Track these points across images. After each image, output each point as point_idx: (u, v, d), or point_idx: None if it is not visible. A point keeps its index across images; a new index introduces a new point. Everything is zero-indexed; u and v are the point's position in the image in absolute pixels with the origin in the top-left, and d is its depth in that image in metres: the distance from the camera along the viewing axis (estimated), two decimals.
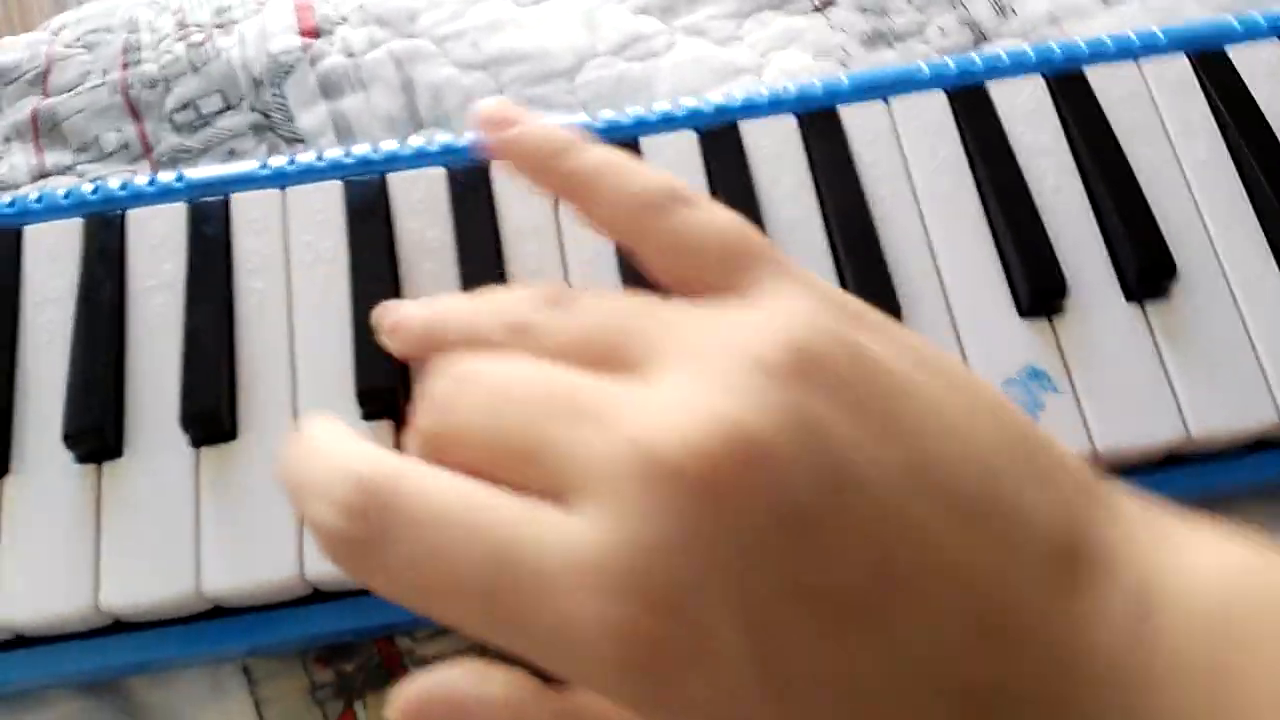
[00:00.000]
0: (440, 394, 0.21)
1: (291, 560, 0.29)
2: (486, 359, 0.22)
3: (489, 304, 0.24)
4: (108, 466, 0.31)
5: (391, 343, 0.26)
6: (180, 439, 0.31)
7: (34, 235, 0.34)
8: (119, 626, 0.30)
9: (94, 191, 0.34)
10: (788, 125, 0.35)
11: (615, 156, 0.26)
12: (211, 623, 0.30)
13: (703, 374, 0.19)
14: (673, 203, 0.24)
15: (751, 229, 0.24)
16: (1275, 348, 0.31)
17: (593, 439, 0.18)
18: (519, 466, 0.19)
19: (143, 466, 0.31)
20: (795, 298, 0.22)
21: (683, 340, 0.20)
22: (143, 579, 0.29)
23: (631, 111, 0.35)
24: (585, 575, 0.17)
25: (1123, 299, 0.32)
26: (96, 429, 0.30)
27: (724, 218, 0.24)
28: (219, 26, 0.44)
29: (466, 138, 0.35)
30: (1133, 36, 0.36)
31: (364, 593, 0.30)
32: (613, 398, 0.19)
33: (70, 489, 0.30)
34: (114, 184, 0.34)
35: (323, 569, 0.29)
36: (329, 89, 0.42)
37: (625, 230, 0.25)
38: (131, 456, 0.31)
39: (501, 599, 0.18)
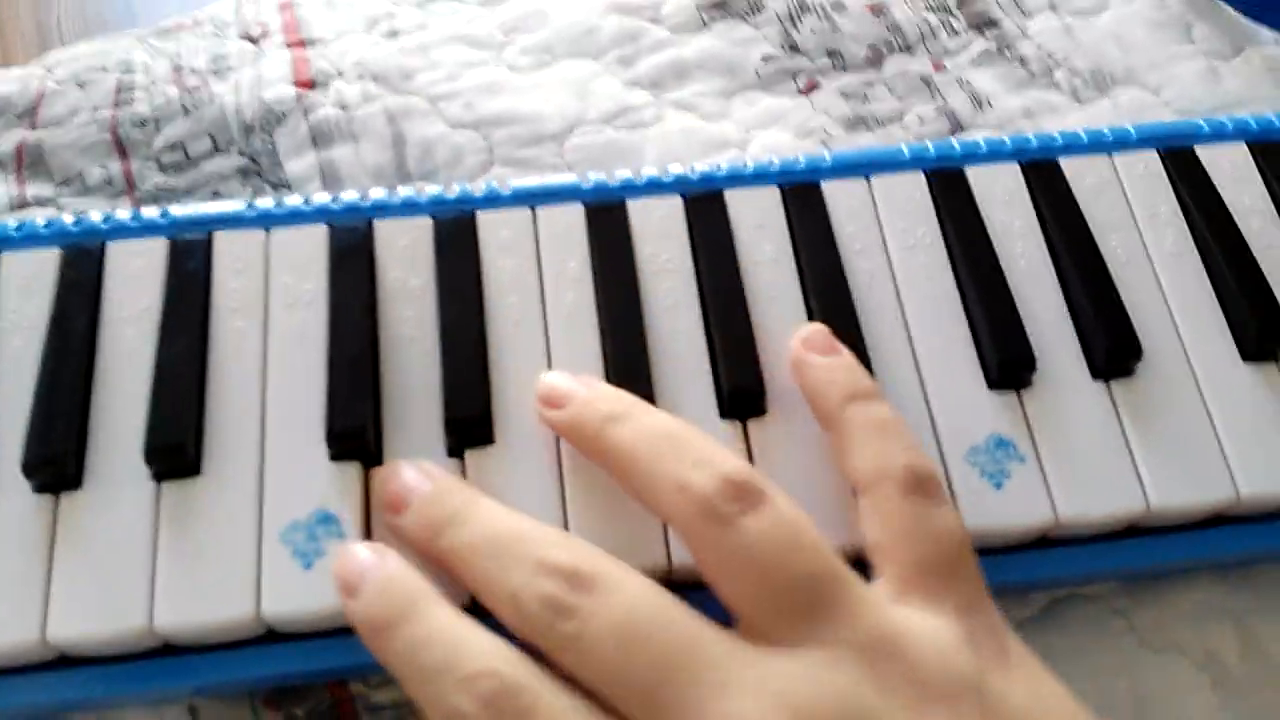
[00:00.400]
0: (574, 598, 0.24)
1: (248, 599, 0.28)
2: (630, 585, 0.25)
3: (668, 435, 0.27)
4: (66, 497, 0.30)
5: (543, 413, 0.30)
6: (143, 473, 0.30)
7: (10, 263, 0.33)
8: (65, 661, 0.29)
9: (75, 223, 0.34)
10: (771, 196, 0.35)
11: (669, 430, 0.27)
12: (159, 660, 0.29)
13: None
14: (737, 505, 0.25)
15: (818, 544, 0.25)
16: (1234, 427, 0.32)
17: None
18: (627, 703, 0.23)
19: (102, 499, 0.30)
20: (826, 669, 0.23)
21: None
22: (93, 613, 0.28)
23: (619, 174, 0.36)
24: None
25: (1089, 377, 0.32)
26: (56, 459, 0.30)
27: (797, 535, 0.25)
28: (214, 73, 0.45)
29: (455, 190, 0.35)
30: (1106, 131, 0.37)
31: (317, 635, 0.29)
32: (729, 668, 0.23)
33: (26, 519, 0.29)
34: (96, 216, 0.34)
35: (279, 609, 0.28)
36: (320, 138, 0.42)
37: (683, 533, 0.26)
38: (91, 488, 0.30)
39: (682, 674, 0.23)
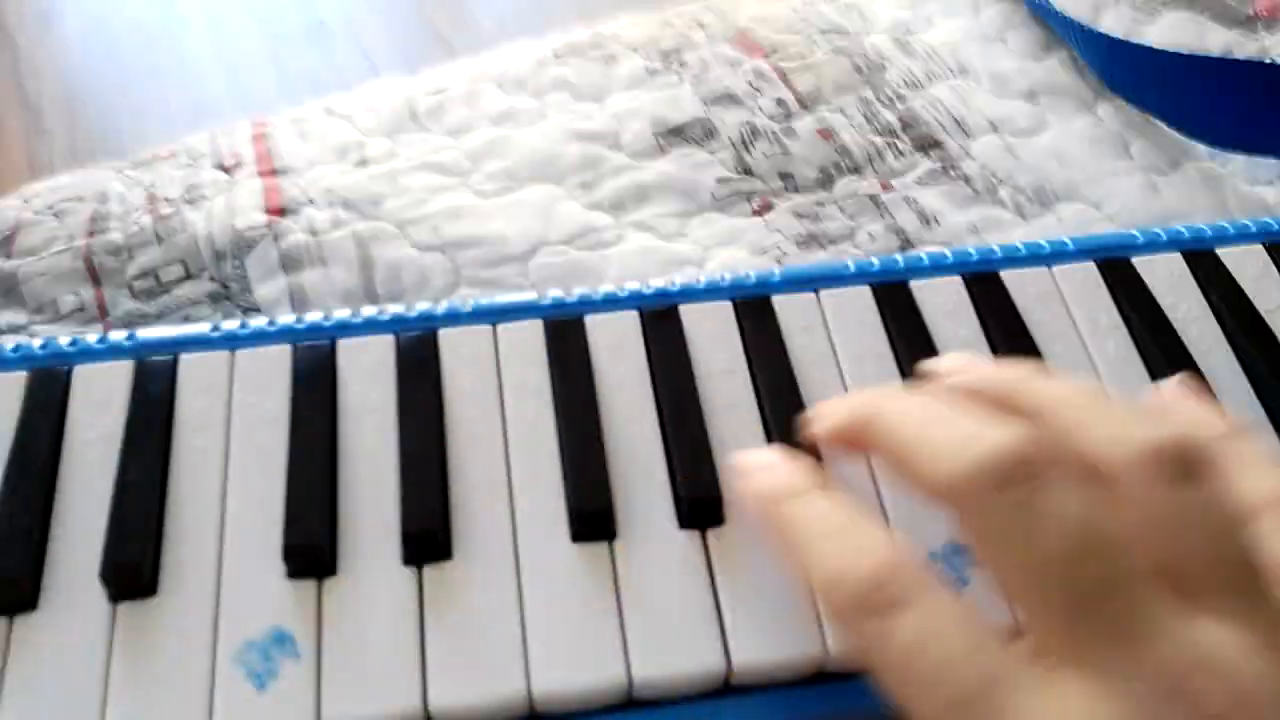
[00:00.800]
0: (1026, 499, 0.22)
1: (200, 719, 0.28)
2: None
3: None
4: (20, 619, 0.30)
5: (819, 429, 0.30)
6: (99, 594, 0.30)
7: None
8: None
9: (43, 346, 0.35)
10: (724, 310, 0.36)
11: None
12: None
13: None
14: (1197, 465, 0.23)
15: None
16: None
17: None
18: (1059, 610, 0.22)
19: (57, 621, 0.30)
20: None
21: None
22: None
23: (577, 291, 0.37)
24: None
25: None
26: (11, 581, 0.30)
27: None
28: (189, 202, 0.46)
29: (417, 309, 0.36)
30: (1044, 244, 0.39)
31: None
32: (1168, 616, 0.22)
33: None
34: (63, 340, 0.35)
35: None
36: (289, 263, 0.44)
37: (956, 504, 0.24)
38: (46, 610, 0.30)
39: (974, 707, 0.21)
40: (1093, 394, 0.26)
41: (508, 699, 0.29)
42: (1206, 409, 0.30)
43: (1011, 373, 0.28)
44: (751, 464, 0.30)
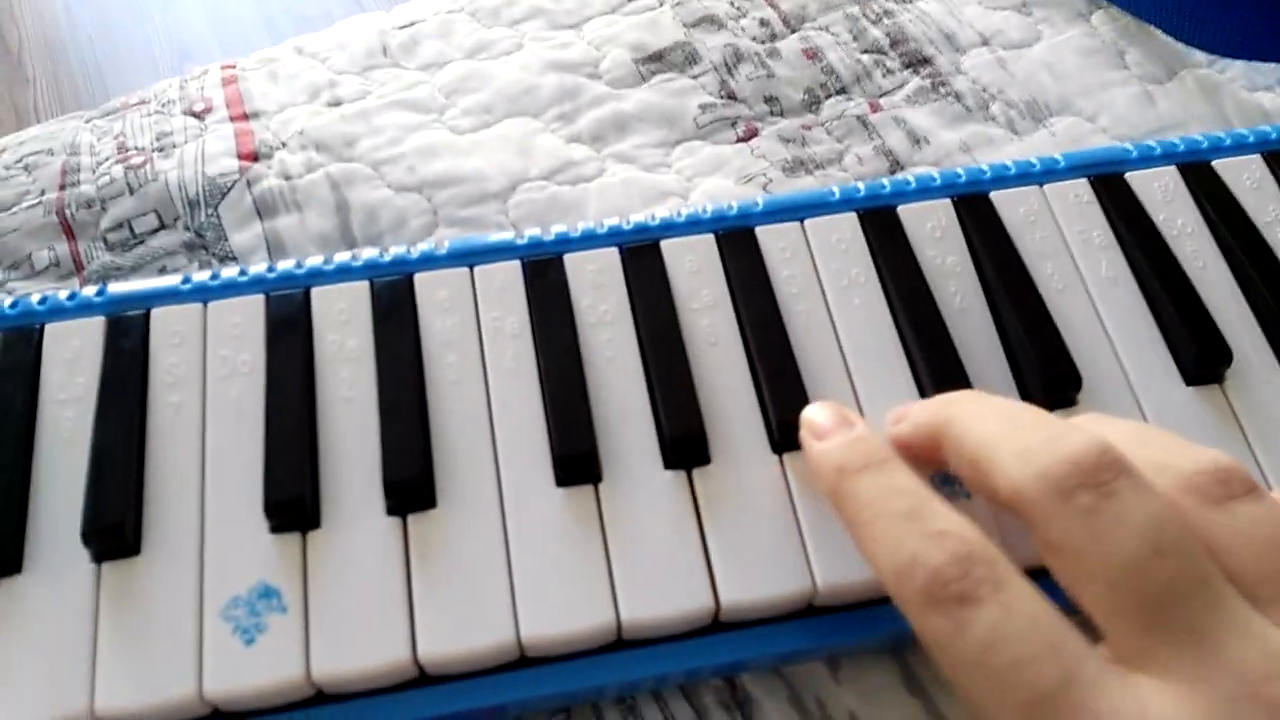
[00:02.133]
0: (1098, 503, 0.22)
1: (189, 679, 0.28)
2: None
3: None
4: (4, 582, 0.30)
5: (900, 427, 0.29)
6: (83, 555, 0.30)
7: None
8: None
9: (13, 305, 0.34)
10: (706, 243, 0.36)
11: (1030, 408, 0.26)
12: None
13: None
14: (1229, 490, 0.23)
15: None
16: None
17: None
18: (1132, 612, 0.22)
19: (42, 582, 0.30)
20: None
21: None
22: (34, 700, 0.28)
23: (555, 229, 0.36)
24: None
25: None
26: None
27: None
28: (159, 150, 0.45)
29: (391, 253, 0.35)
30: (1034, 161, 0.38)
31: (267, 711, 0.29)
32: (1241, 619, 0.22)
33: None
34: (34, 298, 0.34)
35: (221, 687, 0.28)
36: (264, 209, 0.43)
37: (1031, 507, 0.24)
38: (30, 572, 0.30)
39: (1048, 706, 0.21)
40: (1140, 426, 0.26)
41: (497, 646, 0.29)
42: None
43: (945, 405, 0.28)
44: (821, 424, 0.29)
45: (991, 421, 0.26)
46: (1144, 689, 0.21)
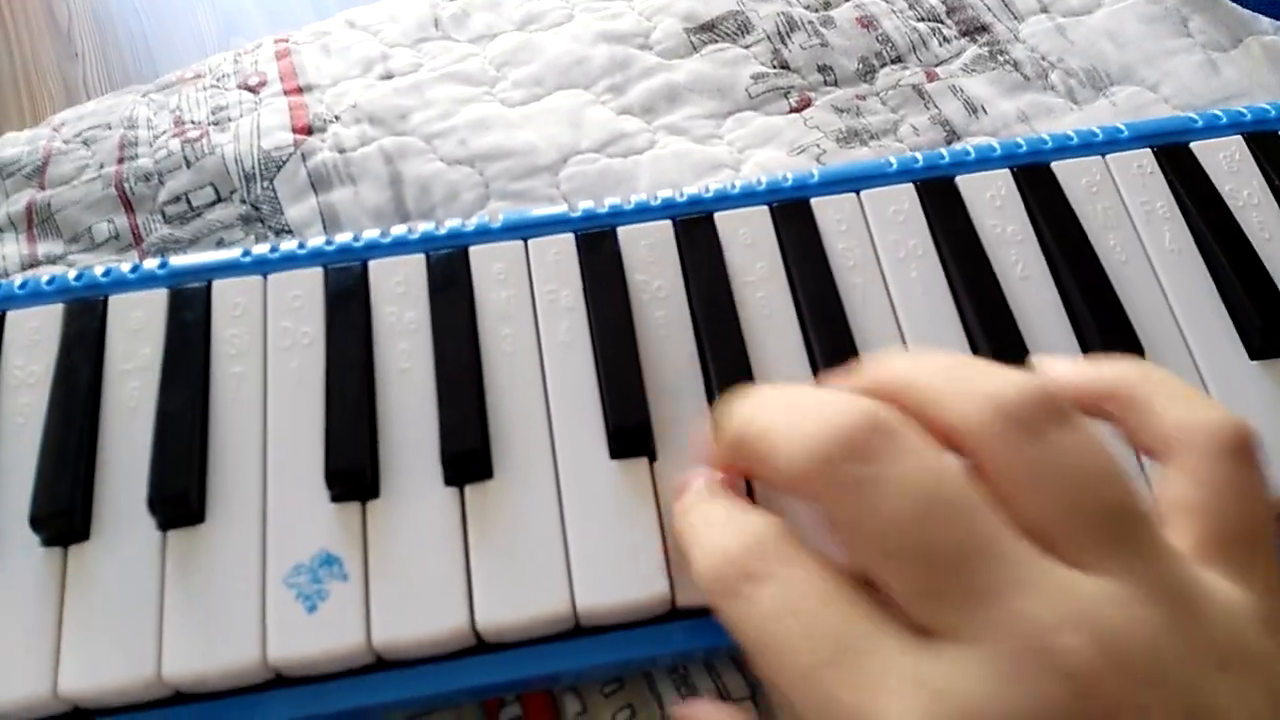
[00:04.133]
0: (866, 473, 0.22)
1: (253, 645, 0.29)
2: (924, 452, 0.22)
3: (963, 374, 0.24)
4: (73, 549, 0.30)
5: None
6: (148, 522, 0.31)
7: (15, 320, 0.34)
8: (81, 714, 0.29)
9: (78, 278, 0.35)
10: (760, 215, 0.35)
11: (967, 358, 0.25)
12: (175, 709, 0.29)
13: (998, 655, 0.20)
14: (1049, 417, 0.22)
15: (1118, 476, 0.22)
16: None
17: (999, 604, 0.20)
18: (911, 578, 0.21)
19: (109, 550, 0.30)
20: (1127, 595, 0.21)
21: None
22: (103, 665, 0.29)
23: (608, 202, 0.36)
24: (920, 691, 0.20)
25: None
26: (63, 513, 0.30)
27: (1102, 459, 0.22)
28: (215, 124, 0.46)
29: (446, 226, 0.35)
30: (1097, 131, 0.37)
31: (328, 677, 0.29)
32: (1028, 571, 0.21)
33: (35, 573, 0.30)
34: (98, 270, 0.35)
35: (284, 653, 0.28)
36: (319, 183, 0.43)
37: (979, 443, 0.23)
38: (98, 540, 0.31)
39: (829, 673, 0.21)
40: (953, 359, 0.25)
41: (553, 615, 0.29)
42: (1091, 362, 0.28)
43: (877, 362, 0.27)
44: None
45: (766, 414, 0.25)
46: (926, 652, 0.21)
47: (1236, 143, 0.37)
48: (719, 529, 0.25)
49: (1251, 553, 0.23)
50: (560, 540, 0.30)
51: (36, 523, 0.30)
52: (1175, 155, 0.36)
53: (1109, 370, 0.27)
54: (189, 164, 0.44)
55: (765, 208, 0.35)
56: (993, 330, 0.32)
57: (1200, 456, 0.24)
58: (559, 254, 0.35)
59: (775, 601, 0.22)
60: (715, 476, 0.28)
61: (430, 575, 0.30)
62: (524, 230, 0.35)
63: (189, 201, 0.43)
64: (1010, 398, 0.23)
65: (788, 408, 0.25)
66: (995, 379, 0.23)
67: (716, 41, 0.47)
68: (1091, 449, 0.22)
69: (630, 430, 0.31)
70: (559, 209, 0.36)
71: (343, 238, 0.35)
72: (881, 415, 0.23)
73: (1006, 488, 0.22)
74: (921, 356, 0.26)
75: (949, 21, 0.48)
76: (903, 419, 0.23)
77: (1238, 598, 0.22)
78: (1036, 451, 0.22)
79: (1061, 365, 0.28)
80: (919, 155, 0.37)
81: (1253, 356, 0.33)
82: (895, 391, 0.25)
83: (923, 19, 0.48)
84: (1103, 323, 0.32)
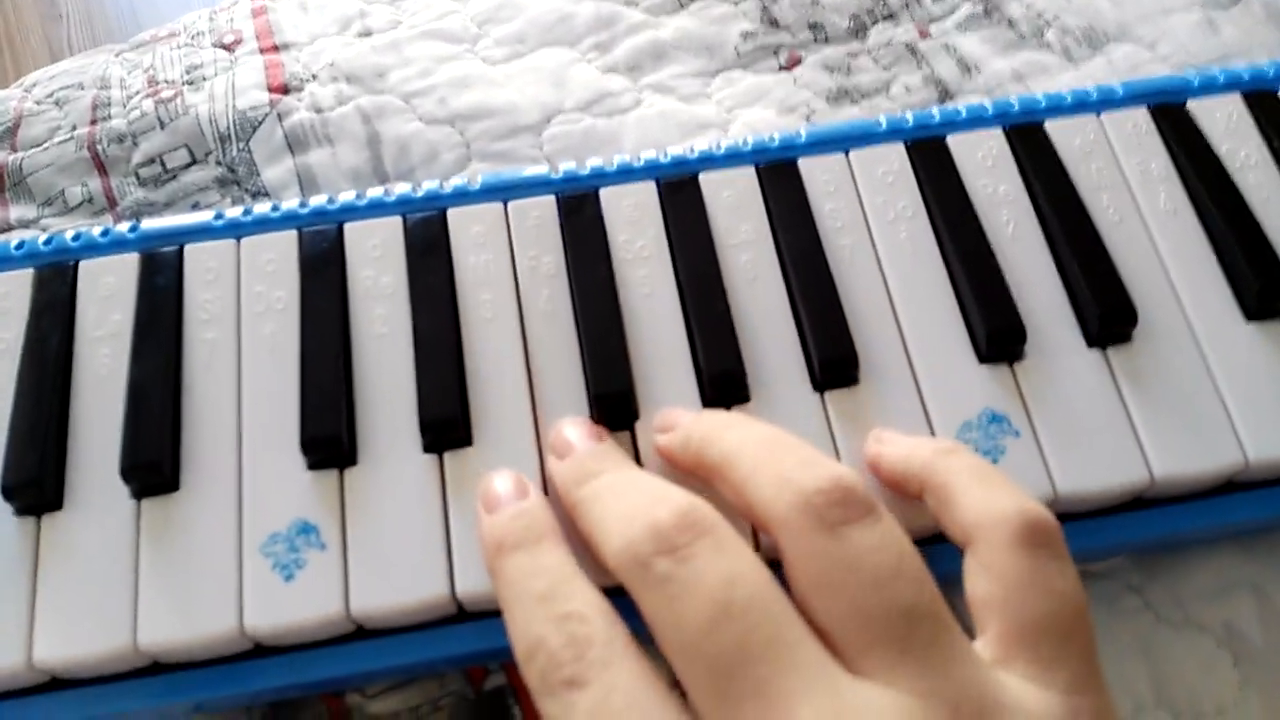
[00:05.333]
0: (669, 572, 0.22)
1: (230, 614, 0.28)
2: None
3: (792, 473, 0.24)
4: (46, 519, 0.30)
5: (656, 440, 0.29)
6: (122, 491, 0.30)
7: None
8: (56, 684, 0.29)
9: (47, 242, 0.34)
10: (746, 176, 0.34)
11: (779, 435, 0.26)
12: (153, 679, 0.29)
13: None
14: (844, 512, 0.23)
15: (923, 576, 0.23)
16: (1239, 390, 0.31)
17: None
18: (698, 679, 0.22)
19: (82, 518, 0.30)
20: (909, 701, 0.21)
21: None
22: (78, 634, 0.28)
23: (590, 163, 0.35)
24: None
25: (1084, 345, 0.31)
26: (35, 482, 0.30)
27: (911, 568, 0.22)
28: (189, 84, 0.44)
29: (423, 188, 0.35)
30: (1091, 90, 0.36)
31: (307, 646, 0.29)
32: (809, 679, 0.21)
33: (8, 542, 0.29)
34: (68, 235, 0.34)
35: (261, 622, 0.28)
36: (295, 144, 0.42)
37: (778, 534, 0.24)
38: (71, 509, 0.30)
39: None
40: (773, 437, 0.26)
41: None
42: (920, 438, 0.29)
43: (704, 425, 0.28)
44: (495, 494, 0.28)
45: (599, 499, 0.26)
46: (858, 684, 0.21)
47: (1234, 102, 0.36)
48: (545, 610, 0.24)
49: (1056, 648, 0.23)
50: None
51: (8, 492, 0.30)
52: (1171, 115, 0.36)
53: (924, 453, 0.27)
54: (163, 125, 0.43)
55: (751, 169, 0.35)
56: (983, 294, 0.32)
57: (994, 548, 0.24)
58: (539, 216, 0.34)
59: (591, 712, 0.22)
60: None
61: (409, 543, 0.29)
62: (503, 192, 0.34)
63: (163, 164, 0.42)
64: (811, 490, 0.23)
65: (615, 492, 0.26)
66: (803, 468, 0.24)
67: None
68: (887, 548, 0.22)
69: (613, 396, 0.30)
70: (540, 170, 0.35)
71: (317, 200, 0.34)
72: (694, 512, 0.23)
73: (803, 583, 0.23)
74: (744, 427, 0.27)
75: None
76: (713, 515, 0.23)
77: (1034, 701, 0.22)
78: (832, 548, 0.22)
79: (891, 446, 0.28)
80: (909, 115, 0.36)
81: (1249, 318, 0.32)
82: (717, 466, 0.26)
83: None
84: (1096, 286, 0.32)
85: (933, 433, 0.30)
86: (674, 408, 0.30)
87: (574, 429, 0.29)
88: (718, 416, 0.29)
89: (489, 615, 0.29)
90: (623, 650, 0.23)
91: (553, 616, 0.24)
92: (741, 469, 0.25)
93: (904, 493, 0.28)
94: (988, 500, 0.25)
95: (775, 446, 0.25)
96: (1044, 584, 0.23)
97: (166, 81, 0.45)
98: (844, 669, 0.21)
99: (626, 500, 0.25)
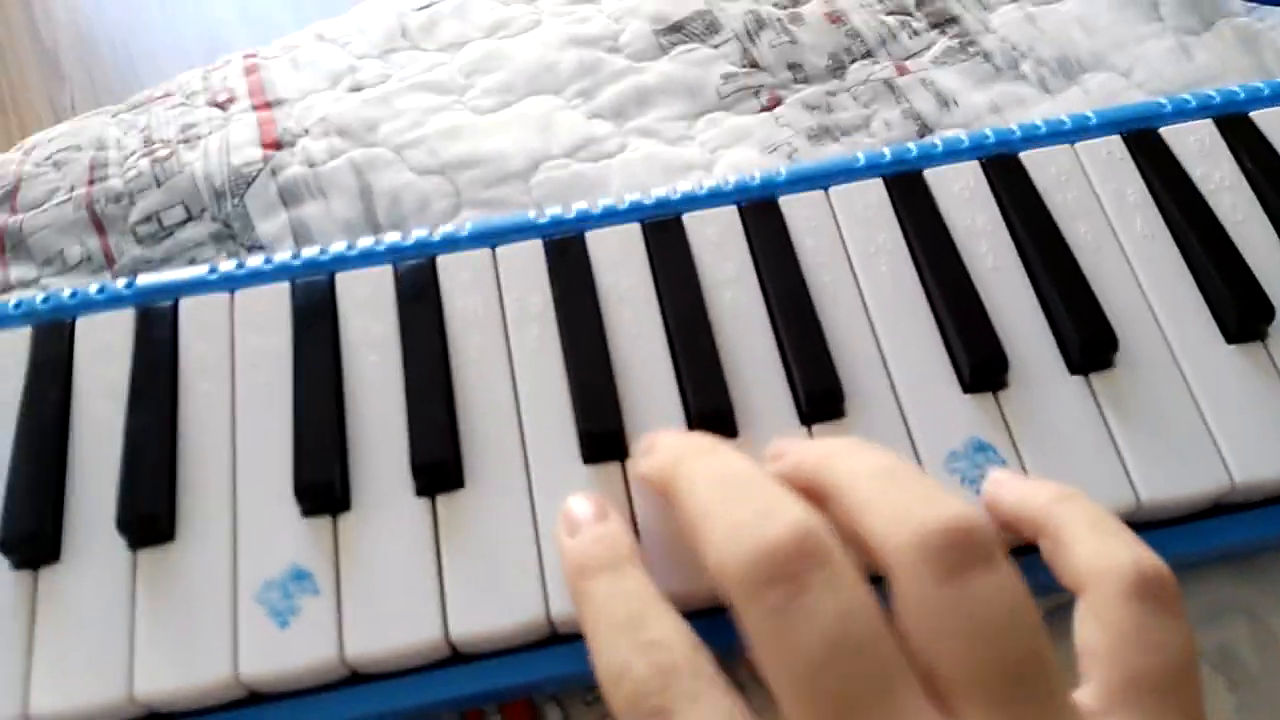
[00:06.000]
0: (784, 603, 0.22)
1: (225, 662, 0.28)
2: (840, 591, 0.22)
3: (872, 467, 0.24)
4: (44, 572, 0.30)
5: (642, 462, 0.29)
6: (119, 543, 0.30)
7: None
8: None
9: (44, 300, 0.35)
10: (729, 215, 0.35)
11: (895, 463, 0.25)
12: None
13: None
14: (966, 556, 0.22)
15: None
16: (1222, 412, 0.31)
17: None
18: (802, 714, 0.21)
19: (80, 571, 0.30)
20: None
21: None
22: (74, 685, 0.29)
23: (576, 207, 0.36)
24: None
25: (1066, 372, 0.32)
26: (34, 536, 0.30)
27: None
28: (184, 142, 0.45)
29: (413, 236, 0.35)
30: (1065, 120, 0.37)
31: (303, 693, 0.29)
32: None
33: (6, 595, 0.30)
34: (65, 293, 0.35)
35: (256, 670, 0.28)
36: (289, 198, 0.43)
37: (893, 570, 0.23)
38: (69, 561, 0.30)
39: None
40: (892, 465, 0.25)
41: (529, 623, 0.29)
42: (1037, 481, 0.28)
43: (819, 449, 0.27)
44: (575, 517, 0.28)
45: (704, 490, 0.25)
46: None
47: (1206, 126, 0.37)
48: (629, 638, 0.24)
49: (1159, 703, 0.22)
50: (534, 548, 0.30)
51: (7, 546, 0.30)
52: (1144, 141, 0.36)
53: (1041, 498, 0.27)
54: (159, 183, 0.44)
55: (734, 208, 0.35)
56: (964, 324, 0.32)
57: (1105, 598, 0.24)
58: (527, 261, 0.34)
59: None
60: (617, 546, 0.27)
61: (403, 587, 0.29)
62: (491, 238, 0.35)
63: (160, 221, 0.43)
64: (932, 530, 0.22)
65: (728, 492, 0.25)
66: (925, 505, 0.23)
67: (685, 42, 0.47)
68: (1003, 597, 0.22)
69: (602, 435, 0.31)
70: (526, 215, 0.36)
71: (309, 251, 0.35)
72: (812, 538, 0.22)
73: (912, 623, 0.22)
74: (863, 454, 0.26)
75: (918, 14, 0.48)
76: (830, 543, 0.23)
77: None
78: (947, 593, 0.22)
79: (1009, 487, 0.28)
80: (887, 150, 0.36)
81: (1229, 341, 0.33)
82: (830, 491, 0.25)
83: (892, 12, 0.48)
84: (1076, 313, 0.32)
85: (919, 462, 0.31)
86: (673, 431, 0.31)
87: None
88: (835, 441, 0.28)
89: (483, 657, 0.29)
90: (709, 681, 0.23)
91: (637, 644, 0.23)
92: (857, 495, 0.24)
93: (1019, 535, 0.27)
94: (1103, 549, 0.24)
95: (896, 476, 0.25)
96: (1152, 637, 0.23)
97: (162, 141, 0.46)
98: (943, 715, 0.21)
99: (738, 504, 0.24)
